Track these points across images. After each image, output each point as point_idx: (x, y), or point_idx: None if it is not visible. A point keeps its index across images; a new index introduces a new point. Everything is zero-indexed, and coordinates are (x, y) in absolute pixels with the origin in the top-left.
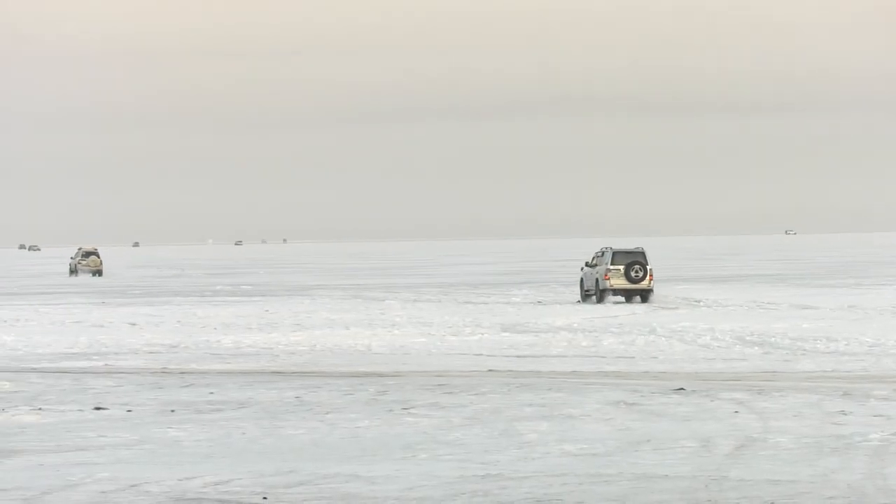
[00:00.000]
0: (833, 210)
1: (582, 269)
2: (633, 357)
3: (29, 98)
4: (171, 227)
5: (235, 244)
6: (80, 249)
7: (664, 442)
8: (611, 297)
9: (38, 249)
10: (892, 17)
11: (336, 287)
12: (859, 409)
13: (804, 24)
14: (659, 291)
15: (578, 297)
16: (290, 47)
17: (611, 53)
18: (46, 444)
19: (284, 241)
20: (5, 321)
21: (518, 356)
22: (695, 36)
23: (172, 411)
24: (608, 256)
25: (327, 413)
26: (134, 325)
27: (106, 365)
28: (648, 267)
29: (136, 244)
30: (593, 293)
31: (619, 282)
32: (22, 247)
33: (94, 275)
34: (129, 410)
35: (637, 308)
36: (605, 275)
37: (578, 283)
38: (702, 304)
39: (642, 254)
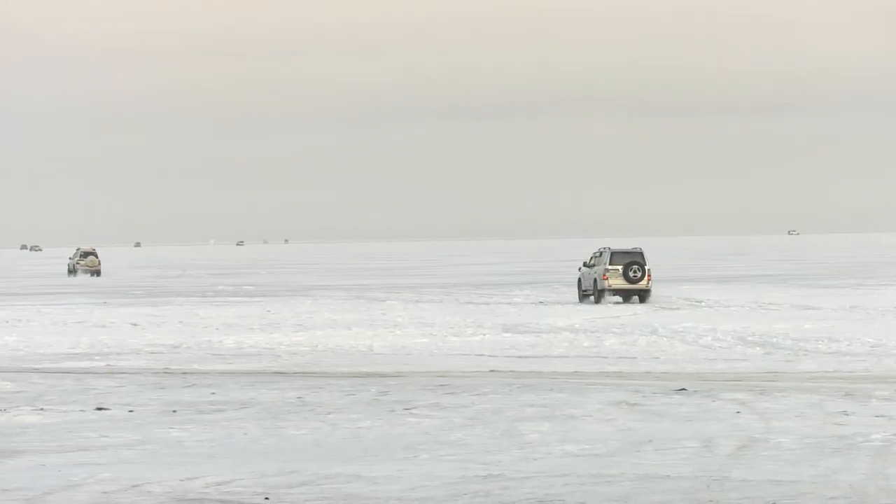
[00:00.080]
0: (833, 210)
1: (580, 269)
2: (635, 357)
3: (29, 98)
4: (173, 227)
5: (237, 244)
6: (78, 250)
7: (666, 442)
8: (609, 298)
9: (40, 250)
10: (892, 17)
11: (338, 287)
12: (861, 409)
13: (804, 24)
14: (661, 292)
15: (577, 298)
16: (290, 47)
17: (611, 53)
18: (48, 444)
19: (286, 241)
20: (7, 321)
21: (520, 356)
22: (695, 36)
23: (174, 411)
24: (606, 256)
25: (329, 413)
26: (136, 325)
27: (108, 365)
28: (647, 267)
29: (137, 244)
30: (591, 293)
31: (618, 282)
32: (23, 247)
33: (92, 275)
34: (130, 411)
35: (639, 308)
36: (604, 275)
37: (576, 283)
38: (703, 304)
39: (640, 254)
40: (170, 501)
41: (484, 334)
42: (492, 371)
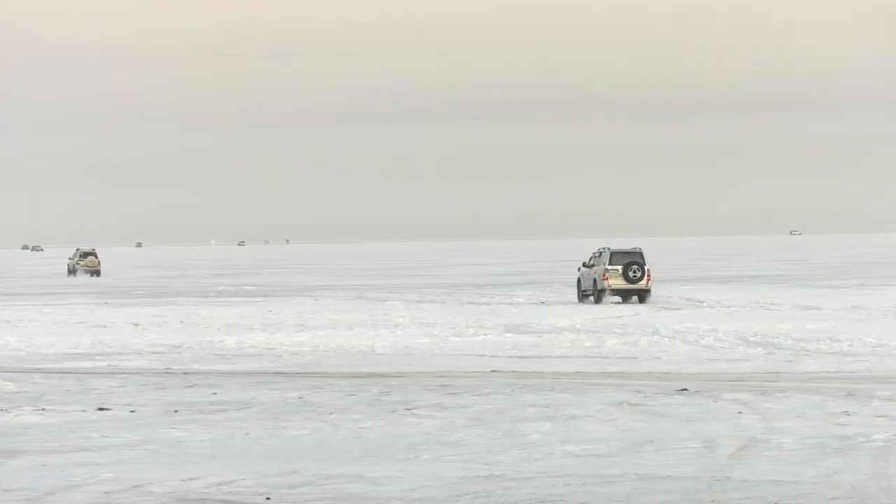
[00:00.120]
0: (833, 210)
1: (579, 269)
2: (637, 358)
3: (29, 98)
4: (174, 227)
5: (238, 245)
6: (78, 250)
7: (667, 442)
8: (609, 298)
9: (42, 250)
10: (892, 17)
11: (339, 287)
12: (863, 409)
13: (804, 24)
14: (662, 292)
15: (573, 298)
16: (290, 47)
17: (611, 53)
18: (50, 444)
19: (287, 241)
20: (8, 321)
21: (521, 357)
22: (695, 36)
23: (176, 412)
24: (606, 257)
25: (330, 414)
26: (137, 325)
27: (109, 365)
28: (646, 267)
29: (139, 244)
30: (591, 293)
31: (617, 282)
32: (25, 247)
33: (92, 275)
34: (132, 411)
35: (640, 309)
36: (603, 275)
37: (576, 283)
38: (705, 304)
39: (640, 254)
40: (171, 502)
41: (485, 334)
42: (493, 371)
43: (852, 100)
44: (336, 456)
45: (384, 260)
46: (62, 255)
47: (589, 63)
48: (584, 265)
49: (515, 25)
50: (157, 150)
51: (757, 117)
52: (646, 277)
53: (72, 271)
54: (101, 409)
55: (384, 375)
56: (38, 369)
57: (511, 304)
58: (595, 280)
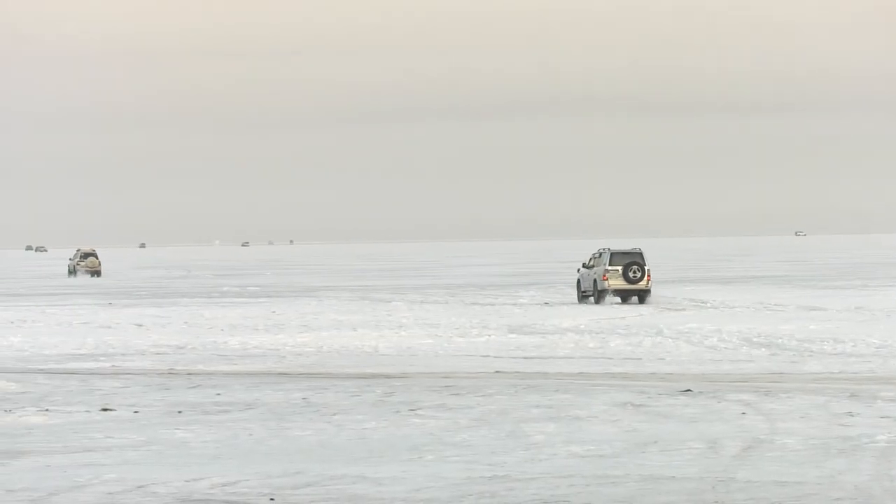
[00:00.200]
0: (834, 210)
1: (579, 270)
2: (640, 358)
3: (29, 98)
4: (178, 228)
5: (242, 245)
6: (78, 251)
7: (671, 443)
8: (609, 298)
9: (45, 250)
10: (892, 17)
11: (343, 288)
12: (866, 410)
13: (804, 24)
14: (665, 293)
15: (576, 299)
16: (290, 47)
17: (611, 53)
18: (53, 445)
19: (291, 242)
20: (12, 322)
21: (525, 357)
22: (695, 36)
23: (179, 412)
24: (606, 257)
25: (334, 414)
26: (141, 326)
27: (113, 366)
28: (646, 268)
29: (142, 245)
30: (591, 294)
31: (618, 282)
32: (29, 248)
33: (92, 275)
34: (136, 412)
35: (644, 309)
36: (604, 275)
37: (575, 284)
38: (709, 305)
39: (640, 254)
40: (175, 502)
41: (489, 335)
42: (497, 372)
43: (852, 100)
44: (340, 456)
45: (387, 261)
46: (66, 256)
47: (589, 63)
48: (583, 266)
49: (515, 25)
50: (157, 150)
51: (757, 117)
52: (646, 278)
53: (72, 272)
54: (105, 409)
55: (388, 376)
56: (42, 370)
57: (514, 304)
58: (595, 280)
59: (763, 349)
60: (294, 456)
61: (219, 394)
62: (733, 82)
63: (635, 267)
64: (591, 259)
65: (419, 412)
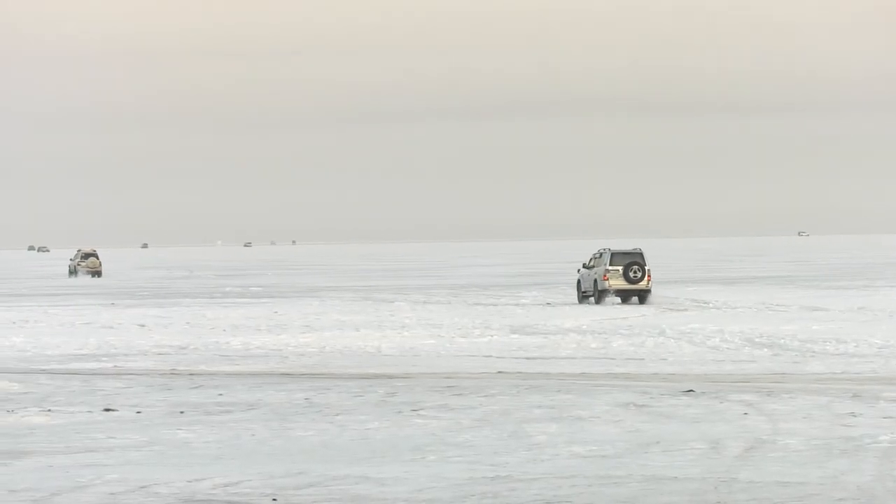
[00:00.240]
0: (834, 210)
1: (579, 270)
2: (643, 359)
3: (29, 98)
4: (180, 228)
5: (245, 246)
6: (79, 251)
7: (673, 444)
8: (609, 298)
9: (48, 251)
10: (892, 17)
11: (345, 288)
12: (869, 410)
13: (804, 24)
14: (668, 293)
15: (576, 299)
16: (290, 47)
17: (611, 53)
18: (56, 445)
19: (293, 242)
20: (14, 322)
21: (527, 358)
22: (695, 36)
23: (182, 413)
24: (607, 257)
25: (337, 415)
26: (143, 326)
27: (115, 366)
28: (647, 268)
29: (144, 245)
30: (591, 294)
31: (618, 282)
32: (31, 248)
33: (93, 276)
34: (138, 412)
35: (646, 310)
36: (604, 275)
37: (575, 284)
38: (711, 305)
39: (640, 255)
40: (177, 503)
41: (492, 335)
42: (499, 372)
43: (852, 100)
44: (342, 457)
45: (389, 261)
46: (68, 257)
47: (589, 63)
48: (584, 266)
49: (515, 25)
50: (157, 150)
51: (757, 117)
52: (646, 278)
53: (73, 272)
54: (107, 410)
55: (390, 376)
56: (44, 370)
57: (517, 305)
58: (596, 281)
59: (765, 349)
60: (296, 456)
61: (221, 394)
62: (733, 82)
63: (636, 267)
64: (591, 259)
65: (422, 412)
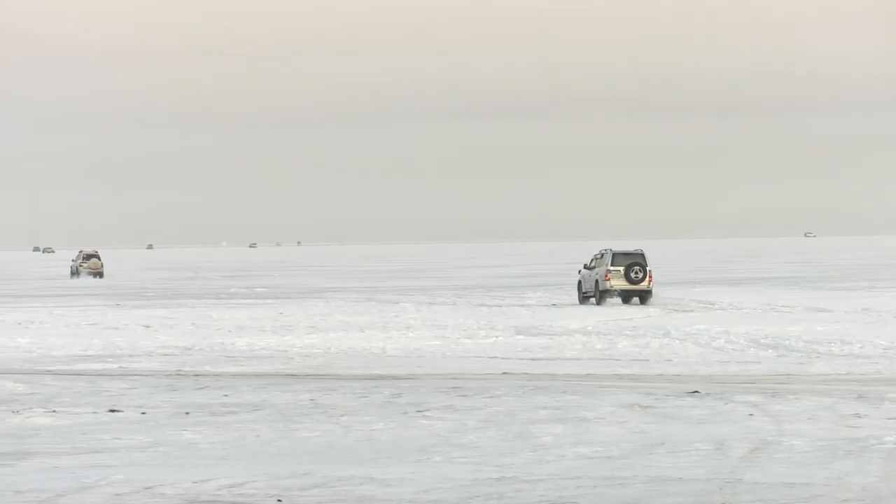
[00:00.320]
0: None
1: (580, 271)
2: (648, 360)
3: (29, 98)
4: (184, 229)
5: (250, 247)
6: (81, 252)
7: (679, 445)
8: (610, 299)
9: (53, 251)
10: (892, 17)
11: (350, 289)
12: (874, 411)
13: (804, 24)
14: (673, 294)
15: (577, 300)
16: (290, 47)
17: (611, 53)
18: (61, 446)
19: (298, 243)
20: (20, 323)
21: (532, 359)
22: (695, 36)
23: (187, 413)
24: (608, 258)
25: (342, 415)
26: (148, 327)
27: (120, 367)
28: (648, 268)
29: (149, 246)
30: (592, 295)
31: (619, 283)
32: (36, 249)
33: (95, 277)
34: (143, 413)
35: (651, 311)
36: (606, 276)
37: (576, 285)
38: (716, 306)
39: (642, 255)
40: (182, 503)
41: (497, 336)
42: (504, 373)
43: (852, 100)
44: (347, 458)
45: (393, 262)
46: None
47: (589, 63)
48: (585, 267)
49: (515, 25)
50: (157, 150)
51: (757, 117)
52: (647, 279)
53: (75, 273)
54: (113, 410)
55: (396, 377)
56: (50, 371)
57: (522, 306)
58: (597, 281)
59: (770, 350)
60: (302, 457)
61: (226, 395)
62: (733, 82)
63: (637, 268)
64: (592, 260)
65: (427, 413)
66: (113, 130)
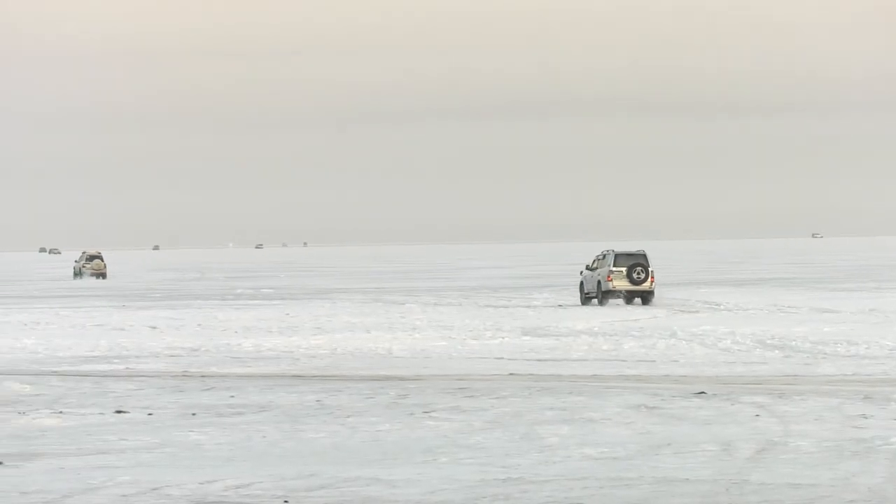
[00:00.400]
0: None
1: (581, 272)
2: (654, 361)
3: (29, 98)
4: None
5: (256, 247)
6: (84, 253)
7: (685, 445)
8: (612, 299)
9: (59, 253)
10: (892, 17)
11: (356, 290)
12: (880, 412)
13: (804, 24)
14: (679, 295)
15: (579, 301)
16: (290, 47)
17: (611, 53)
18: (67, 447)
19: (305, 244)
20: (26, 324)
21: (539, 360)
22: (695, 36)
23: (193, 415)
24: (610, 259)
25: (348, 416)
26: (154, 328)
27: (127, 368)
28: (650, 269)
29: (156, 247)
30: (594, 296)
31: (622, 283)
32: (43, 250)
33: (98, 278)
34: (149, 414)
35: (657, 312)
36: (608, 276)
37: (578, 286)
38: (722, 307)
39: (644, 256)
40: None
41: (503, 337)
42: (511, 374)
43: (852, 100)
44: (354, 459)
45: (399, 263)
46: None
47: (589, 63)
48: (587, 268)
49: (515, 25)
50: (157, 150)
51: (757, 117)
52: (650, 279)
53: (78, 274)
54: (119, 411)
55: (402, 378)
56: (56, 372)
57: (528, 306)
58: (599, 282)
59: (776, 351)
60: (308, 458)
61: (233, 396)
62: (733, 82)
63: (639, 268)
64: (594, 261)
65: (433, 414)
66: (113, 130)
